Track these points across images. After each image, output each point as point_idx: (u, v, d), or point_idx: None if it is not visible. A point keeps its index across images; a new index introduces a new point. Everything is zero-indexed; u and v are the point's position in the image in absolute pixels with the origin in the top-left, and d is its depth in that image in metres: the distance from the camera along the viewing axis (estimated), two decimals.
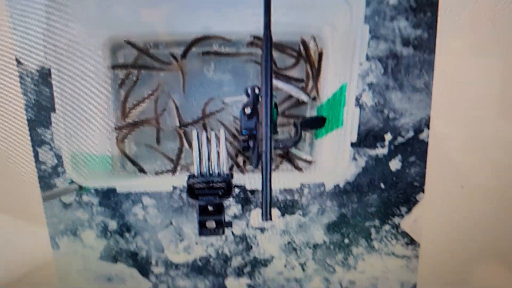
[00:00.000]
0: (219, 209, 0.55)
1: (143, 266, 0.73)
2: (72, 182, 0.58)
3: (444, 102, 0.64)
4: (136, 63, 0.66)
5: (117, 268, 0.73)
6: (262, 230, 0.71)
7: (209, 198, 0.54)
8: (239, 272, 0.74)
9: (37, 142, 0.66)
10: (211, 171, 0.54)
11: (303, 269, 0.74)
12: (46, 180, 0.67)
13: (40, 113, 0.65)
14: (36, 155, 0.66)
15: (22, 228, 0.62)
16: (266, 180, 0.47)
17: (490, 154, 0.64)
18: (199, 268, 0.73)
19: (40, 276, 0.66)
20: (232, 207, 0.70)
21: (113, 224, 0.70)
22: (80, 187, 0.62)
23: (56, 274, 0.72)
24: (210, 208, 0.55)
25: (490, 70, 0.61)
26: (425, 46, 0.64)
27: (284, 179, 0.62)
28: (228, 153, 0.67)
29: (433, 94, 0.64)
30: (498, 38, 0.61)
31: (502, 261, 0.67)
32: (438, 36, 0.63)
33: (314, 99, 0.66)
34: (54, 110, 0.53)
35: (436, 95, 0.64)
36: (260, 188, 0.47)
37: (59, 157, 0.66)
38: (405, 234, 0.73)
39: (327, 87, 0.63)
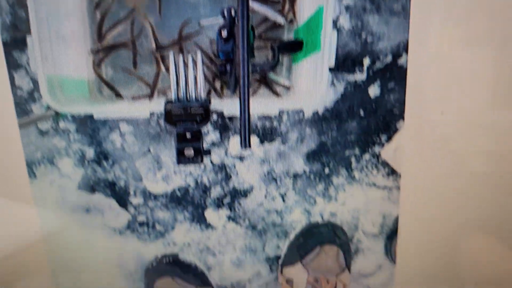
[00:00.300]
0: (197, 136, 0.55)
1: (121, 197, 0.72)
2: (48, 108, 0.58)
3: (421, 26, 0.64)
4: None
5: (95, 199, 0.72)
6: (241, 158, 0.71)
7: (187, 125, 0.53)
8: (218, 203, 0.73)
9: (12, 66, 0.65)
10: (188, 96, 0.54)
11: (284, 200, 0.74)
12: (22, 106, 0.66)
13: (15, 36, 0.63)
14: (12, 79, 0.65)
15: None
16: (244, 105, 0.46)
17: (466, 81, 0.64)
18: (178, 199, 0.73)
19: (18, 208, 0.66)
20: (210, 134, 0.69)
21: (90, 152, 0.70)
22: (57, 113, 0.61)
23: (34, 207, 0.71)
24: (188, 135, 0.55)
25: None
26: None
27: (262, 104, 0.61)
28: (206, 77, 0.66)
29: (411, 18, 0.63)
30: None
31: (482, 198, 0.67)
32: None
33: (291, 21, 0.65)
34: (29, 32, 0.52)
35: (413, 19, 0.63)
36: (238, 114, 0.46)
37: (35, 82, 0.65)
38: (385, 164, 0.72)
39: (304, 9, 0.63)
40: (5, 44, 0.65)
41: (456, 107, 0.65)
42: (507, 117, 0.63)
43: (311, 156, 0.71)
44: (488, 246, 0.71)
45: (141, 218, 0.74)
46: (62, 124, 0.68)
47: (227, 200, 0.73)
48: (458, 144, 0.67)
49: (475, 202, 0.69)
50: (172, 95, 0.53)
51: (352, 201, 0.74)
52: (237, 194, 0.73)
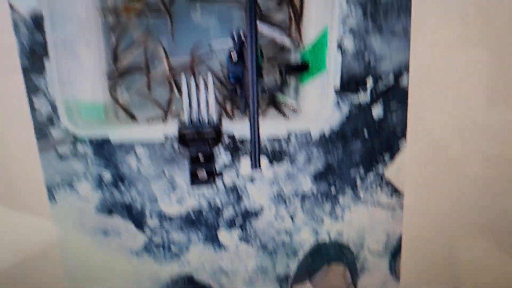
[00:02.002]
0: (210, 158, 0.58)
1: (137, 219, 0.75)
2: (67, 131, 0.61)
3: (421, 47, 0.68)
4: (126, 7, 0.70)
5: (112, 221, 0.75)
6: (251, 180, 0.74)
7: (200, 147, 0.57)
8: (230, 224, 0.76)
9: (32, 90, 0.68)
10: (201, 119, 0.57)
11: (293, 220, 0.77)
12: (41, 130, 0.70)
13: (34, 60, 0.67)
14: (31, 103, 0.69)
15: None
16: (254, 126, 0.49)
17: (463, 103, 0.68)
18: (192, 220, 0.76)
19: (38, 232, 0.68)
20: (221, 156, 0.72)
21: (107, 175, 0.73)
22: (75, 137, 0.65)
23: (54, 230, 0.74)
24: (201, 157, 0.58)
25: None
26: None
27: (271, 126, 0.65)
28: (217, 99, 0.70)
29: (411, 40, 0.68)
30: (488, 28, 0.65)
31: (484, 212, 0.70)
32: None
33: (297, 44, 0.70)
34: (47, 56, 0.56)
35: (414, 41, 0.68)
36: (248, 136, 0.49)
37: (53, 106, 0.69)
38: (389, 183, 0.75)
39: (310, 31, 0.67)
40: (24, 69, 0.68)
41: (455, 124, 0.69)
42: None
43: (318, 177, 0.74)
44: (492, 261, 0.73)
45: (157, 239, 0.76)
46: (80, 148, 0.71)
47: (239, 221, 0.76)
48: (460, 162, 0.70)
49: (475, 220, 0.72)
50: (186, 118, 0.56)
51: (357, 220, 0.77)
52: (248, 215, 0.75)
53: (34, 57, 0.68)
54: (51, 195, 0.73)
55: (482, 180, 0.71)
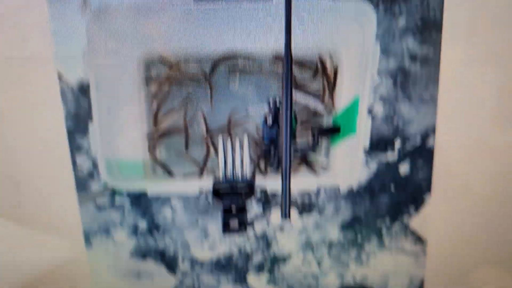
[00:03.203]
0: (242, 210, 0.60)
1: (170, 263, 0.78)
2: (106, 185, 0.64)
3: (448, 111, 0.70)
4: (168, 77, 0.72)
5: (146, 265, 0.78)
6: (281, 229, 0.77)
7: (233, 199, 0.59)
8: (259, 268, 0.79)
9: (75, 148, 0.71)
10: (235, 176, 0.59)
11: (319, 265, 0.80)
12: (82, 183, 0.72)
13: (78, 123, 0.70)
14: (73, 161, 0.71)
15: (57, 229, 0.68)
16: (286, 181, 0.52)
17: (488, 161, 0.70)
18: (222, 265, 0.79)
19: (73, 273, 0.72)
20: (253, 208, 0.75)
21: (143, 224, 0.76)
22: (114, 191, 0.67)
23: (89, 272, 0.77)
24: (233, 209, 0.60)
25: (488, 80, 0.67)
26: (430, 61, 0.69)
27: (302, 181, 0.67)
28: (251, 157, 0.72)
29: (438, 104, 0.70)
30: (496, 50, 0.67)
31: (502, 258, 0.73)
32: (442, 50, 0.68)
33: (330, 110, 0.72)
34: (91, 119, 0.59)
35: (441, 104, 0.70)
36: (279, 190, 0.52)
37: (95, 163, 0.71)
38: (413, 232, 0.78)
39: (342, 99, 0.69)
40: (69, 132, 0.70)
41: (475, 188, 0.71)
42: None
43: (345, 226, 0.77)
44: None
45: (188, 282, 0.79)
46: (117, 200, 0.74)
47: (267, 265, 0.79)
48: (482, 213, 0.73)
49: (494, 270, 0.75)
50: (220, 175, 0.59)
51: (381, 265, 0.80)
52: (276, 260, 0.78)
53: (79, 120, 0.70)
54: (88, 241, 0.77)
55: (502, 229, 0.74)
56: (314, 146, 0.68)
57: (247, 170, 0.57)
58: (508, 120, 0.69)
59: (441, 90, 0.68)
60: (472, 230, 0.75)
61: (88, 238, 0.76)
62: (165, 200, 0.74)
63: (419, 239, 0.78)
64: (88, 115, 0.68)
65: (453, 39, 0.66)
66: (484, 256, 0.76)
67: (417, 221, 0.77)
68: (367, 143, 0.60)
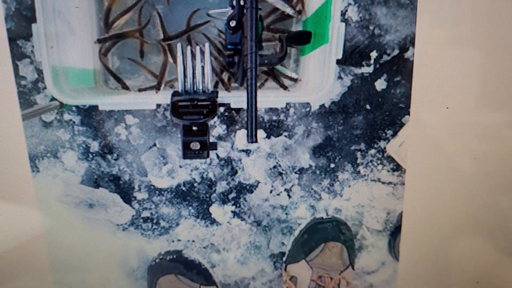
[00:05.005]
0: (204, 130, 0.54)
1: (125, 192, 0.71)
2: (53, 99, 0.57)
3: (428, 18, 0.64)
4: None
5: (99, 194, 0.71)
6: (247, 152, 0.70)
7: (193, 117, 0.53)
8: (224, 199, 0.73)
9: (17, 55, 0.64)
10: (195, 88, 0.53)
11: (289, 196, 0.73)
12: (26, 97, 0.65)
13: (20, 24, 0.63)
14: (16, 69, 0.64)
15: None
16: (252, 98, 0.46)
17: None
18: (183, 194, 0.72)
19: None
20: (216, 127, 0.68)
21: (95, 145, 0.69)
22: (61, 105, 0.60)
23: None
24: (194, 128, 0.54)
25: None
26: None
27: (269, 97, 0.61)
28: (213, 69, 0.66)
29: (417, 10, 0.64)
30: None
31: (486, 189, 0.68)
32: None
33: (299, 12, 0.66)
34: (35, 20, 0.52)
35: (420, 12, 0.64)
36: (245, 106, 0.46)
37: (39, 72, 0.64)
38: (391, 159, 0.72)
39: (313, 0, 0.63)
40: (9, 32, 0.64)
41: (461, 101, 0.65)
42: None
43: (317, 151, 0.70)
44: (491, 245, 0.71)
45: (146, 213, 0.72)
46: (66, 116, 0.67)
47: (232, 195, 0.72)
48: (464, 139, 0.67)
49: (479, 200, 0.69)
50: (179, 86, 0.53)
51: (357, 197, 0.74)
52: (242, 189, 0.72)
53: (21, 21, 0.64)
54: (34, 165, 0.69)
55: (485, 161, 0.68)
56: (282, 56, 0.62)
57: (209, 82, 0.51)
58: None
59: None
60: (455, 155, 0.69)
61: (34, 162, 0.68)
62: (119, 116, 0.67)
63: (397, 167, 0.72)
64: (31, 14, 0.61)
65: None
66: (467, 183, 0.70)
67: (395, 146, 0.70)
68: (340, 53, 0.54)
